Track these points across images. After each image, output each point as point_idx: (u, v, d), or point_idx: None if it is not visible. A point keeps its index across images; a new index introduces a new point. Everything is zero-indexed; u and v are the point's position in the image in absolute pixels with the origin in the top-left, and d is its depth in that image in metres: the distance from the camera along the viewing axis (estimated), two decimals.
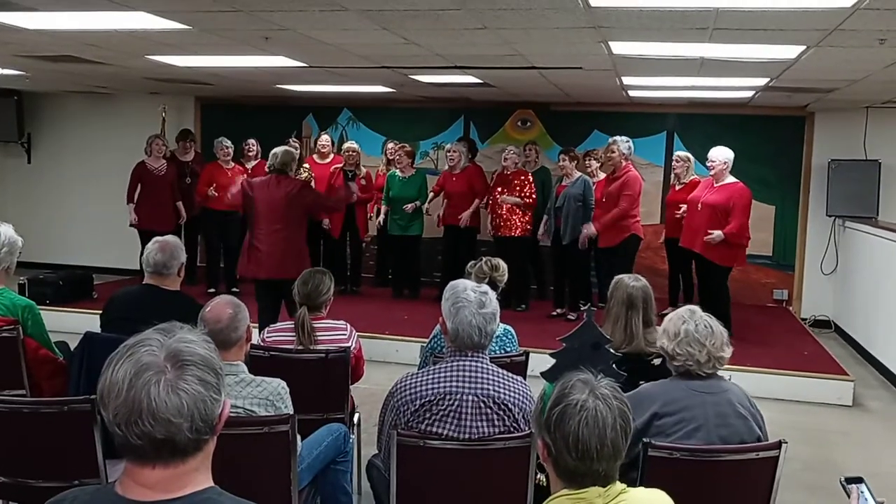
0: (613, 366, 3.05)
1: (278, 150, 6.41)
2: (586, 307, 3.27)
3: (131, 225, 9.19)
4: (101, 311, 4.27)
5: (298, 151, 9.48)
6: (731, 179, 7.38)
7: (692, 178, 8.41)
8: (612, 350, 3.15)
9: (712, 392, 2.92)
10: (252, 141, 9.71)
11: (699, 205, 7.40)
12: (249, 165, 9.56)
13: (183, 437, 1.46)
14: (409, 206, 9.05)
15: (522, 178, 8.61)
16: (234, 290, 8.61)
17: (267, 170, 6.50)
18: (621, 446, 1.89)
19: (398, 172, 9.22)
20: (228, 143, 9.28)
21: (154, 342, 1.50)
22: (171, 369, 1.46)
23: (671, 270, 8.84)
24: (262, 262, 6.16)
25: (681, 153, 8.75)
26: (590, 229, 7.84)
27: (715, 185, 7.43)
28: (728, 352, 2.97)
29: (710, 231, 7.17)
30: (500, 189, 8.64)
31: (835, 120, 9.52)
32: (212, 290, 8.93)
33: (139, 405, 1.43)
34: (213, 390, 1.50)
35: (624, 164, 7.74)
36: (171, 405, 1.44)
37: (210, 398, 1.49)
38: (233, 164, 9.32)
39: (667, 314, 3.13)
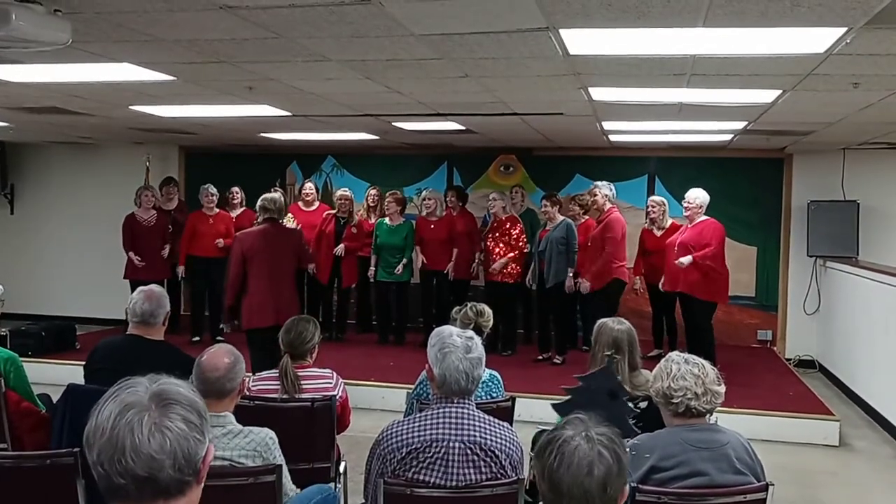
0: (631, 422, 2.97)
1: (273, 196, 6.60)
2: (609, 353, 3.23)
3: (124, 277, 9.14)
4: (84, 362, 4.23)
5: (283, 198, 9.55)
6: (702, 217, 7.50)
7: (670, 222, 8.49)
8: (630, 405, 3.07)
9: (710, 448, 2.86)
10: (236, 189, 9.74)
11: (675, 247, 7.49)
12: (234, 214, 9.59)
13: (165, 475, 1.46)
14: (399, 268, 9.09)
15: (513, 223, 8.65)
16: (219, 338, 8.54)
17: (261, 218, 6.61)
18: (595, 494, 1.78)
19: (387, 220, 9.25)
20: (214, 190, 9.30)
21: (140, 385, 1.52)
22: (156, 408, 1.48)
23: (654, 313, 8.87)
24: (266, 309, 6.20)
25: (655, 198, 8.80)
26: (584, 286, 7.78)
27: (688, 225, 7.56)
28: (722, 389, 2.95)
29: (681, 261, 7.24)
30: (492, 236, 8.68)
31: (813, 161, 9.66)
32: (196, 338, 8.88)
33: (122, 443, 1.44)
34: (196, 431, 1.51)
35: (607, 207, 7.80)
36: (155, 443, 1.45)
37: (194, 438, 1.50)
38: (217, 210, 9.34)
39: (652, 356, 3.13)
